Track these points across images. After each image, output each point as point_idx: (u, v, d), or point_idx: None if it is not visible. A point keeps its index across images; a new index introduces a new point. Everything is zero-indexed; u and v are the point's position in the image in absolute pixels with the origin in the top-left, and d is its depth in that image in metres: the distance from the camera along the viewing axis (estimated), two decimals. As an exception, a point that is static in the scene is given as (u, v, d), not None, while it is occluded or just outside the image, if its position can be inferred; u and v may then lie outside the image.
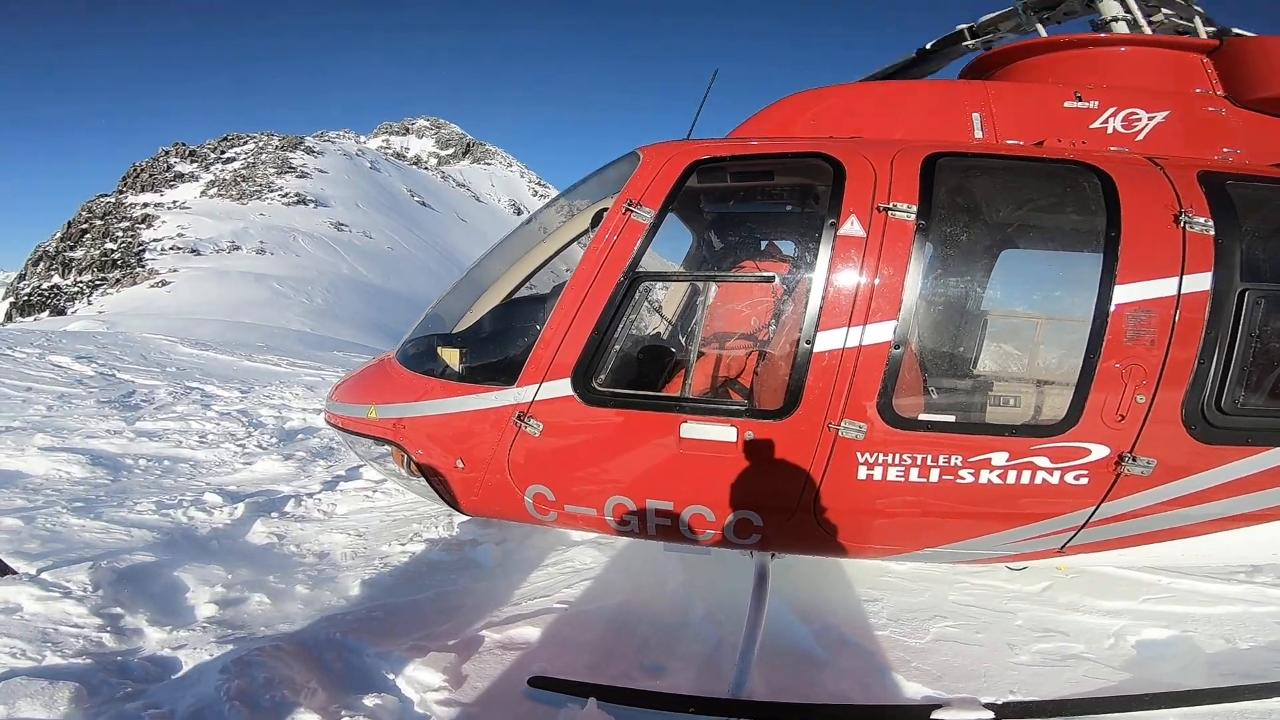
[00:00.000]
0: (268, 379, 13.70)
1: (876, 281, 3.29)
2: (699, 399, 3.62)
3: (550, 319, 3.55)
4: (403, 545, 5.04)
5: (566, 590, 4.33)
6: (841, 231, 3.34)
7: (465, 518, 5.41)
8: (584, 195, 4.19)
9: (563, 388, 3.48)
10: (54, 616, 3.69)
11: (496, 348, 3.94)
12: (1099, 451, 3.29)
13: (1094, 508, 3.40)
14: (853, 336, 3.28)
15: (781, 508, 3.49)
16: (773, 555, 3.86)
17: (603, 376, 3.54)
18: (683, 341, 4.66)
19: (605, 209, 3.71)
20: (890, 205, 3.34)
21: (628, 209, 3.53)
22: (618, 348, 3.64)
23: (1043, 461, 3.31)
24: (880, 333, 3.28)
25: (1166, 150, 3.67)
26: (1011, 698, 3.40)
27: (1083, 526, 3.47)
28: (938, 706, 3.24)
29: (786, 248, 4.64)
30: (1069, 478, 3.33)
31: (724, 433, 3.39)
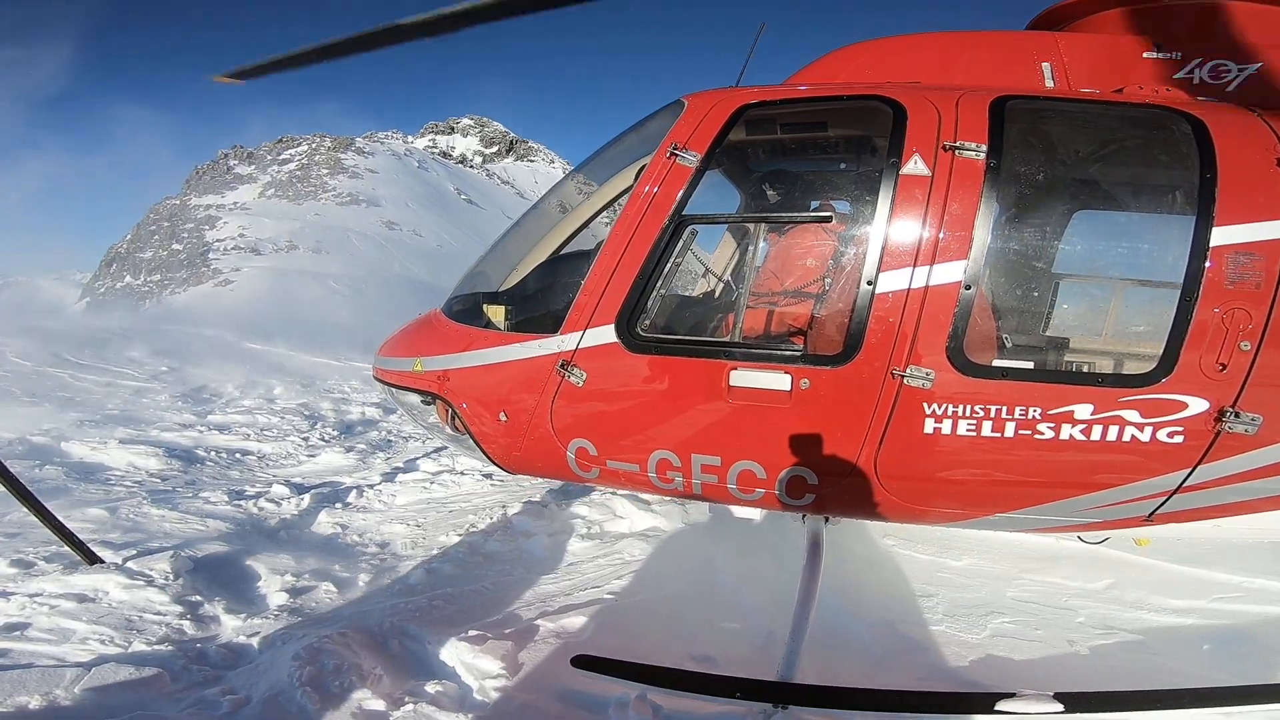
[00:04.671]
0: (327, 374, 14.22)
1: (944, 220, 3.10)
2: (749, 344, 3.40)
3: (594, 265, 3.43)
4: (460, 536, 5.18)
5: (616, 582, 4.39)
6: (904, 171, 3.16)
7: (519, 508, 5.54)
8: (627, 147, 4.04)
9: (606, 334, 3.37)
10: (139, 604, 3.93)
11: (542, 297, 3.85)
12: (1196, 405, 2.98)
13: (1190, 470, 3.09)
14: (919, 277, 3.08)
15: (838, 464, 3.26)
16: (826, 521, 3.69)
17: (648, 322, 3.42)
18: (733, 285, 4.44)
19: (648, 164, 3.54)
20: (958, 144, 3.15)
21: (673, 153, 3.39)
22: (664, 293, 3.51)
23: (1132, 416, 3.01)
24: (948, 273, 3.07)
25: (1260, 101, 3.45)
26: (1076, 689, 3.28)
27: (1176, 491, 3.15)
28: (1003, 696, 3.08)
29: (842, 191, 4.38)
30: (1162, 435, 3.02)
31: (776, 380, 3.21)
